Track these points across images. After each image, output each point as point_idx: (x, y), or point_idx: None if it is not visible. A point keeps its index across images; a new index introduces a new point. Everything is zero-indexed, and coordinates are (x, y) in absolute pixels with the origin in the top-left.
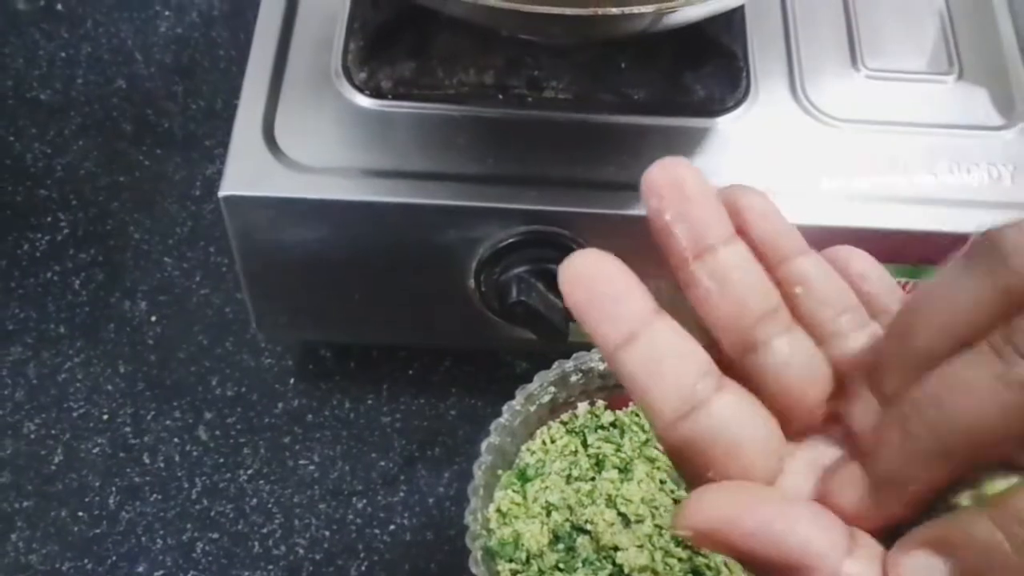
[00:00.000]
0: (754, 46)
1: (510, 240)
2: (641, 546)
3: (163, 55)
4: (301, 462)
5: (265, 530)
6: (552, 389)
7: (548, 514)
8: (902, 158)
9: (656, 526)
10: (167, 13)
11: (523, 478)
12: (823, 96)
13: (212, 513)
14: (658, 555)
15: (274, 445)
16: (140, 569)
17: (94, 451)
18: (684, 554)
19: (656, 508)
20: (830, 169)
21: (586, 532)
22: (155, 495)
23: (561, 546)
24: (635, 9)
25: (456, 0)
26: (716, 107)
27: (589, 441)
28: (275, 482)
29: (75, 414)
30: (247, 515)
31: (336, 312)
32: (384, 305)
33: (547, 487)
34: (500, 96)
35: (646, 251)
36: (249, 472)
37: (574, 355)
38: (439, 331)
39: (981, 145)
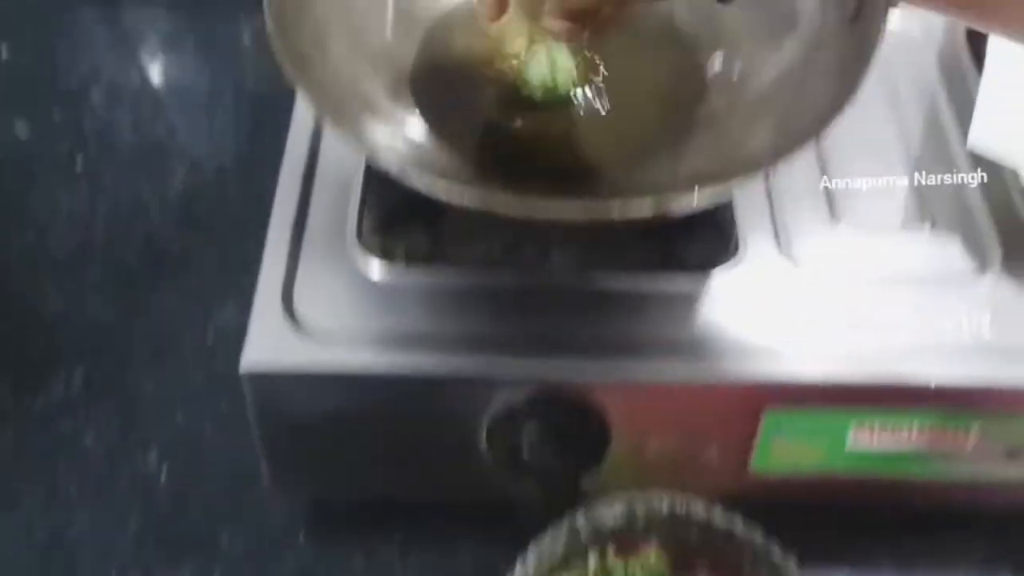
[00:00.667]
0: (740, 210)
1: (520, 403)
2: None
3: (178, 208)
4: None
5: None
6: (564, 541)
7: None
8: (883, 309)
9: None
10: (181, 168)
11: None
12: (807, 250)
13: None
14: None
15: None
16: None
17: None
18: None
19: None
20: (815, 321)
21: None
22: None
23: None
24: (633, 209)
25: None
26: (708, 265)
27: None
28: None
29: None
30: None
31: (350, 471)
32: (398, 465)
33: None
34: (508, 263)
35: (652, 411)
36: None
37: (584, 507)
38: (451, 487)
39: (958, 294)
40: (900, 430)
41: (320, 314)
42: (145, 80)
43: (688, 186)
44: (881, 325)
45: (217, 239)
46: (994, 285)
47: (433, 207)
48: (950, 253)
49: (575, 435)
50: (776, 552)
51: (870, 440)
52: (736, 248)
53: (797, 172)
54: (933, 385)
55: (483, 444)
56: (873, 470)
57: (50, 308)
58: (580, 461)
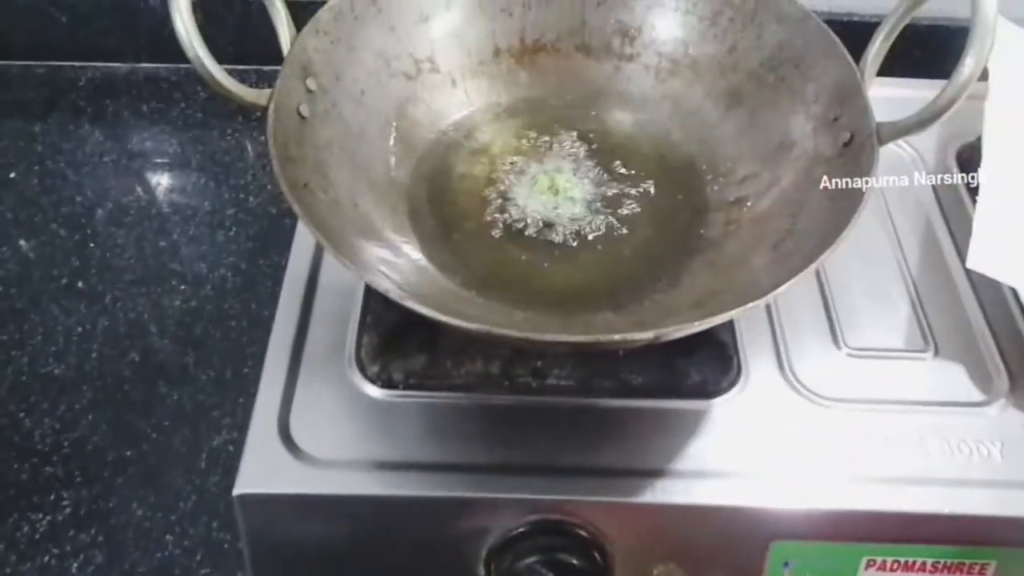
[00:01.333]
0: (742, 332)
1: (519, 529)
2: None
3: (177, 327)
4: None
5: None
6: None
7: None
8: (893, 437)
9: None
10: (183, 287)
11: None
12: (810, 375)
13: None
14: None
15: None
16: None
17: None
18: None
19: None
20: (825, 450)
21: None
22: None
23: None
24: (635, 336)
25: (469, 328)
26: (710, 390)
27: None
28: None
29: None
30: None
31: None
32: None
33: None
34: (506, 384)
35: (654, 536)
36: None
37: None
38: None
39: (967, 422)
40: (914, 564)
41: (316, 436)
42: (150, 200)
43: (689, 315)
44: (888, 454)
45: (215, 360)
46: (1002, 413)
47: (431, 329)
48: (955, 380)
49: (575, 562)
50: None
51: (884, 573)
52: (739, 372)
53: (797, 295)
54: (947, 511)
55: (481, 572)
56: None
57: (41, 433)
58: None
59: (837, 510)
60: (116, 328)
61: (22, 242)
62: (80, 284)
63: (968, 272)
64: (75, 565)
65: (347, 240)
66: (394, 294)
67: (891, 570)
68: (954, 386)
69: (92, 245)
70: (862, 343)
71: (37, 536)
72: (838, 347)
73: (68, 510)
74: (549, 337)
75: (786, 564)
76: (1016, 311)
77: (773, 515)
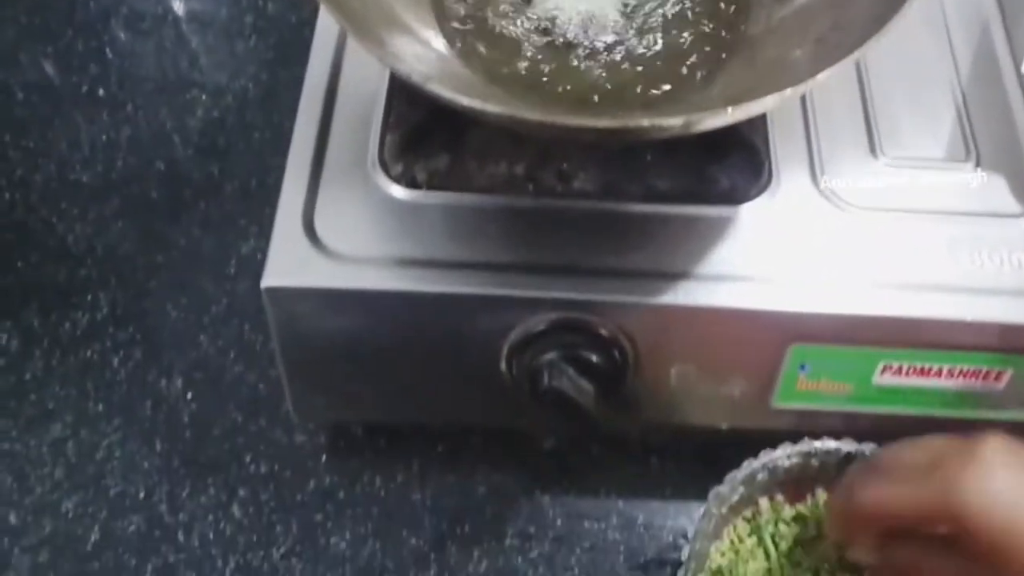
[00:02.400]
0: (775, 137)
1: (541, 327)
2: None
3: (200, 137)
4: (333, 540)
5: None
6: (741, 489)
7: None
8: (923, 245)
9: None
10: (204, 96)
11: None
12: (844, 184)
13: None
14: None
15: (306, 523)
16: None
17: (130, 529)
18: None
19: None
20: (852, 256)
21: None
22: (190, 573)
23: None
24: (664, 121)
25: (491, 113)
26: (739, 196)
27: (776, 539)
28: (307, 560)
29: (112, 492)
30: None
31: (370, 393)
32: (418, 387)
33: None
34: (531, 187)
35: (674, 337)
36: (282, 550)
37: (761, 452)
38: (471, 411)
39: (1000, 233)
40: (930, 369)
41: (341, 234)
42: (164, 6)
43: (722, 103)
44: (916, 261)
45: (239, 168)
46: None
47: (455, 129)
48: (995, 190)
49: (596, 360)
50: None
51: (899, 377)
52: (769, 178)
53: (836, 101)
54: (970, 318)
55: (503, 367)
56: (899, 408)
57: (74, 237)
58: (600, 387)
59: (858, 315)
60: (140, 137)
61: (39, 48)
62: (101, 92)
63: (1022, 80)
64: (116, 360)
65: (370, 28)
66: (417, 76)
67: (906, 375)
68: (992, 196)
69: (110, 53)
70: (901, 152)
71: (79, 333)
72: (875, 156)
73: (105, 310)
74: (573, 122)
75: (803, 367)
76: None
77: (793, 318)
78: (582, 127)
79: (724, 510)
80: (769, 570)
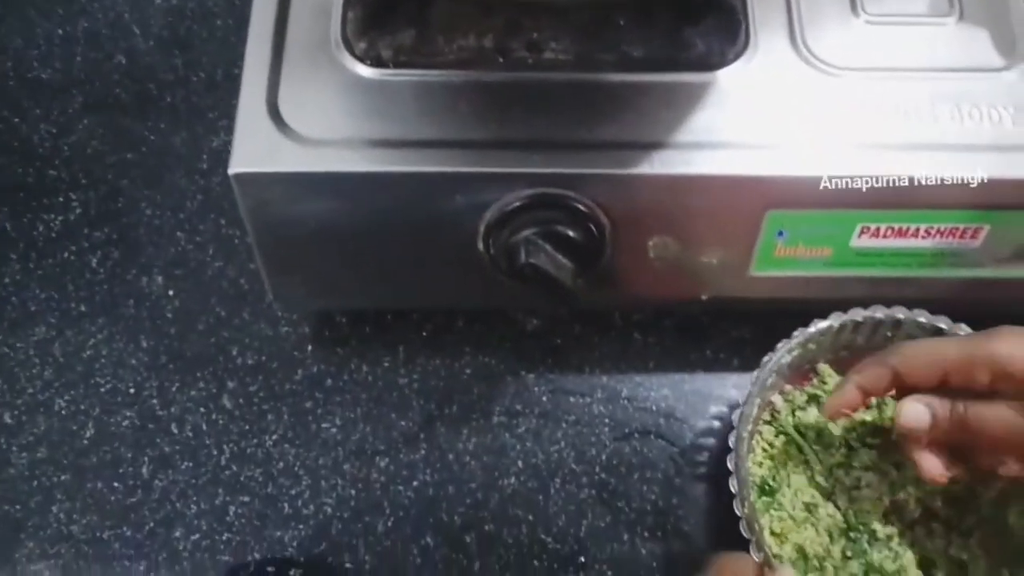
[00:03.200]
0: None
1: (517, 203)
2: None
3: (160, 28)
4: (324, 425)
5: (294, 492)
6: (757, 401)
7: (812, 512)
8: (904, 104)
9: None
10: None
11: (770, 493)
12: (823, 45)
13: (242, 478)
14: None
15: (297, 410)
16: (177, 534)
17: (124, 424)
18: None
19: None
20: (833, 118)
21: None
22: (186, 463)
23: (842, 541)
24: None
25: None
26: (716, 61)
27: (801, 429)
28: (300, 446)
29: (103, 389)
30: (275, 478)
31: (349, 280)
32: (396, 271)
33: (796, 490)
34: (501, 59)
35: (651, 208)
36: (274, 437)
37: (763, 360)
38: (451, 293)
39: (982, 87)
40: (907, 230)
41: (307, 117)
42: None
43: None
44: (897, 121)
45: (204, 59)
46: (1021, 78)
47: (418, 2)
48: (977, 45)
49: (573, 236)
50: None
51: (876, 239)
52: (747, 41)
53: None
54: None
55: (480, 246)
56: (878, 270)
57: (39, 137)
58: (578, 262)
59: (842, 175)
60: (97, 30)
61: None
62: None
63: None
64: (94, 260)
65: None
66: None
67: (884, 236)
68: (974, 51)
69: None
70: (882, 8)
71: (53, 235)
72: (856, 14)
73: (79, 210)
74: None
75: (780, 233)
76: None
77: (769, 183)
78: None
79: (749, 427)
80: (806, 460)
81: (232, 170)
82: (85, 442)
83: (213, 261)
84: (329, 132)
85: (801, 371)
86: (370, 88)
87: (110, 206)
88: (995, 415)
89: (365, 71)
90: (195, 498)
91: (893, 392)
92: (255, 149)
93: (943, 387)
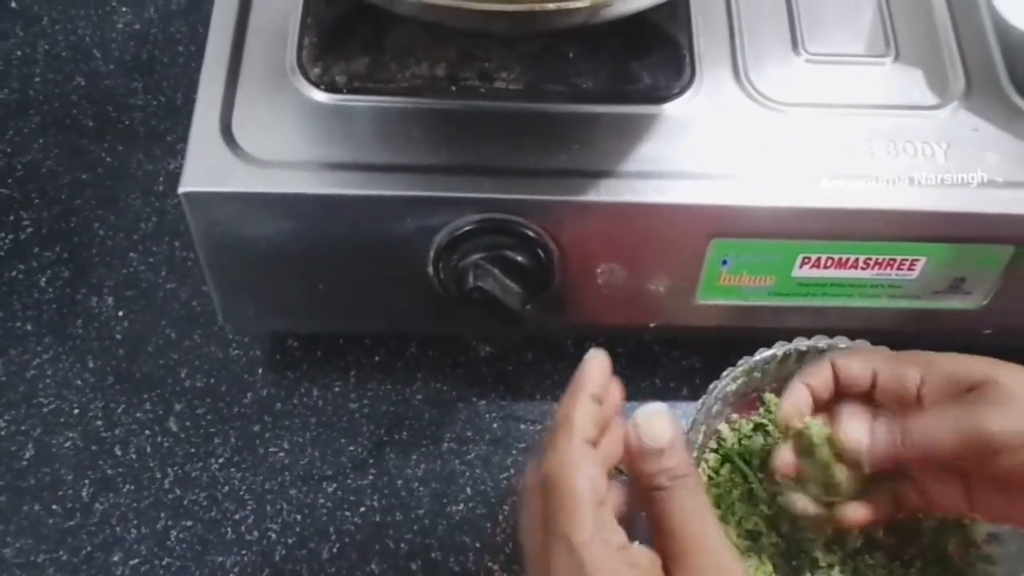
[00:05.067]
0: (698, 34)
1: (466, 228)
2: None
3: (122, 52)
4: (271, 449)
5: (238, 516)
6: (703, 428)
7: (755, 540)
8: (842, 138)
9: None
10: (124, 9)
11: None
12: (766, 81)
13: (185, 501)
14: None
15: (244, 434)
16: (115, 558)
17: (66, 445)
18: None
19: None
20: (774, 151)
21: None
22: (128, 486)
23: (785, 568)
24: (570, 5)
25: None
26: (662, 94)
27: (747, 457)
28: (246, 469)
29: (45, 409)
30: (219, 502)
31: (300, 302)
32: (347, 294)
33: (740, 518)
34: (452, 88)
35: (598, 235)
36: (220, 461)
37: (710, 387)
38: (402, 318)
39: (917, 124)
40: (847, 260)
41: (260, 139)
42: None
43: None
44: (834, 155)
45: (164, 83)
46: (953, 116)
47: (373, 29)
48: (912, 84)
49: (521, 261)
50: None
51: (818, 270)
52: (692, 76)
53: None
54: (884, 207)
55: (430, 270)
56: (819, 300)
57: None
58: (527, 287)
59: (776, 207)
60: (57, 52)
61: None
62: (13, 4)
63: None
64: (43, 279)
65: None
66: None
67: (824, 267)
68: (910, 90)
69: None
70: (822, 48)
71: (2, 253)
72: (797, 53)
73: (30, 229)
74: (483, 7)
75: (724, 262)
76: (984, 12)
77: (714, 212)
78: (492, 12)
79: (695, 454)
80: (751, 488)
81: (183, 188)
82: (24, 463)
83: (165, 283)
84: (282, 154)
85: (747, 399)
86: (324, 112)
87: (62, 226)
88: (938, 424)
89: (319, 96)
90: (136, 522)
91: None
92: (206, 168)
93: (873, 398)
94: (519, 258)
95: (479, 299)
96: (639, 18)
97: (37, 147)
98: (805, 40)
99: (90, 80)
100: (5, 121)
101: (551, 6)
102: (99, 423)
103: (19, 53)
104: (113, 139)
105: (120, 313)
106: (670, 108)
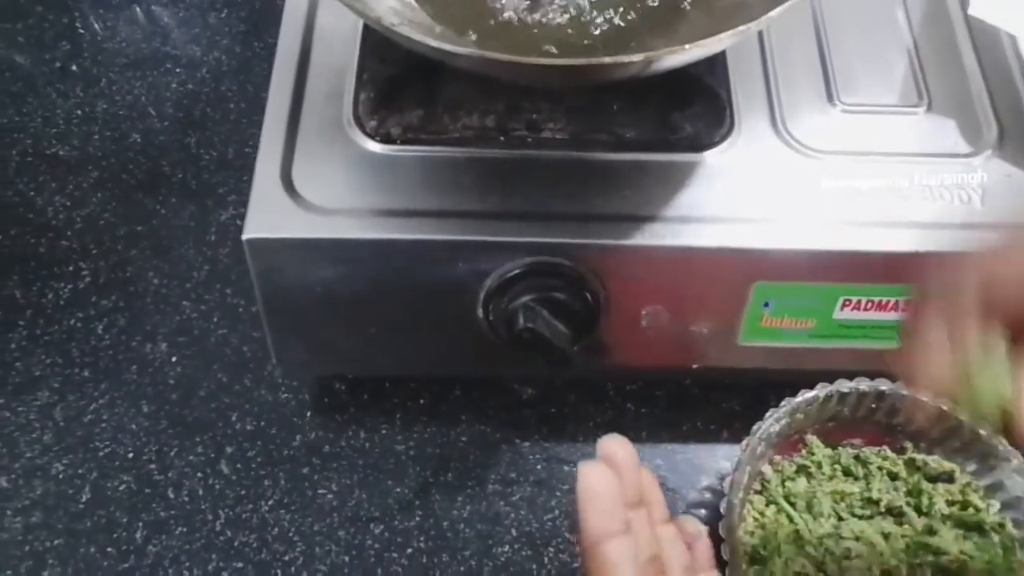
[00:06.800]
0: (736, 86)
1: (515, 271)
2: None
3: (176, 110)
4: (320, 491)
5: (287, 558)
6: (748, 469)
7: None
8: (875, 186)
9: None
10: (178, 70)
11: (761, 562)
12: (802, 130)
13: (236, 543)
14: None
15: (293, 476)
16: None
17: (120, 488)
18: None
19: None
20: (811, 197)
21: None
22: (180, 528)
23: None
24: (624, 58)
25: (459, 54)
26: (702, 143)
27: (791, 499)
28: (295, 511)
29: (101, 453)
30: (269, 544)
31: (352, 345)
32: (398, 337)
33: (787, 560)
34: (502, 138)
35: (643, 278)
36: (270, 503)
37: (753, 427)
38: (450, 360)
39: (952, 171)
40: (887, 303)
41: (318, 187)
42: None
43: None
44: (871, 200)
45: (216, 139)
46: (987, 163)
47: (426, 84)
48: (946, 133)
49: (569, 302)
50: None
51: (858, 312)
52: (731, 126)
53: (794, 50)
54: (922, 249)
55: (480, 312)
56: (860, 342)
57: (53, 210)
58: (574, 328)
59: (817, 250)
60: (115, 111)
61: (9, 26)
62: (74, 68)
63: (969, 22)
64: (100, 327)
65: None
66: (387, 21)
67: (865, 309)
68: (943, 139)
69: (81, 29)
70: (856, 99)
71: (61, 302)
72: (832, 103)
73: (88, 279)
74: (539, 61)
75: (767, 304)
76: (1013, 62)
77: (757, 256)
78: (548, 66)
79: (740, 495)
80: (797, 530)
81: (246, 235)
82: (80, 506)
83: (217, 329)
84: (339, 202)
85: (790, 441)
86: (379, 163)
87: (118, 275)
88: None
89: (374, 147)
90: (188, 564)
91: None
92: (268, 216)
93: None
94: (567, 300)
95: (528, 340)
96: (680, 71)
97: (95, 201)
98: (839, 90)
99: (145, 137)
100: (66, 176)
101: (607, 60)
102: (152, 466)
103: (79, 112)
104: (167, 192)
105: (173, 359)
106: (711, 156)
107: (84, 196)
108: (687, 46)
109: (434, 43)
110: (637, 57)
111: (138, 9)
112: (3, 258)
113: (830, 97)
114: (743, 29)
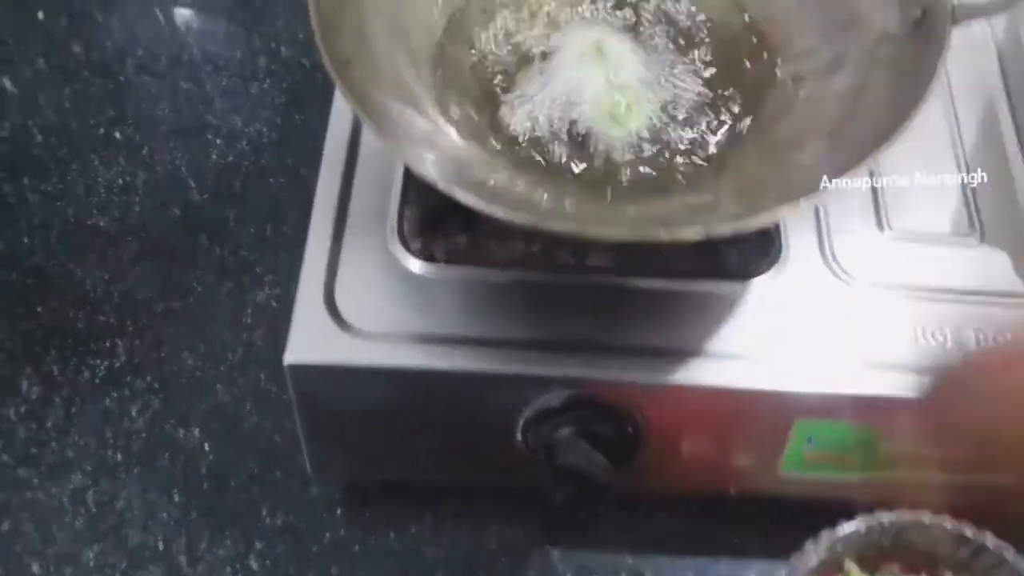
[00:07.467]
0: None
1: (556, 403)
2: None
3: (216, 182)
4: None
5: None
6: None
7: None
8: (924, 325)
9: None
10: (218, 141)
11: None
12: (851, 259)
13: None
14: None
15: (322, 574)
16: None
17: None
18: None
19: None
20: (856, 334)
21: None
22: None
23: None
24: (682, 233)
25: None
26: (749, 271)
27: None
28: None
29: (131, 543)
30: None
31: (387, 458)
32: (436, 454)
33: None
34: (547, 264)
35: (684, 414)
36: None
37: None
38: (484, 474)
39: (1002, 313)
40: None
41: (361, 309)
42: (179, 47)
43: (736, 209)
44: (919, 340)
45: (254, 214)
46: None
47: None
48: (999, 268)
49: (608, 435)
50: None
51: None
52: (779, 254)
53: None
54: None
55: (518, 439)
56: (903, 473)
57: (92, 282)
58: (613, 460)
59: (859, 395)
60: (156, 181)
61: (56, 90)
62: (117, 135)
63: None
64: (134, 409)
65: (389, 115)
66: (442, 185)
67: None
68: (996, 274)
69: (126, 95)
70: (907, 225)
71: (97, 381)
72: (881, 229)
73: (123, 358)
74: (593, 232)
75: (809, 440)
76: None
77: (798, 397)
78: (602, 238)
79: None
80: None
81: (288, 360)
82: None
83: (250, 416)
84: (380, 325)
85: (827, 569)
86: (422, 283)
87: (154, 355)
88: None
89: (418, 266)
90: None
91: None
92: (310, 340)
93: None
94: (607, 432)
95: (565, 470)
96: None
97: (133, 275)
98: (890, 217)
99: (184, 209)
100: (105, 248)
101: (663, 235)
102: (182, 558)
103: (120, 182)
104: (205, 268)
105: (206, 446)
106: (756, 284)
107: (123, 269)
108: (751, 221)
109: (487, 208)
110: (694, 231)
111: (183, 76)
112: (43, 331)
113: (880, 222)
114: (803, 204)
